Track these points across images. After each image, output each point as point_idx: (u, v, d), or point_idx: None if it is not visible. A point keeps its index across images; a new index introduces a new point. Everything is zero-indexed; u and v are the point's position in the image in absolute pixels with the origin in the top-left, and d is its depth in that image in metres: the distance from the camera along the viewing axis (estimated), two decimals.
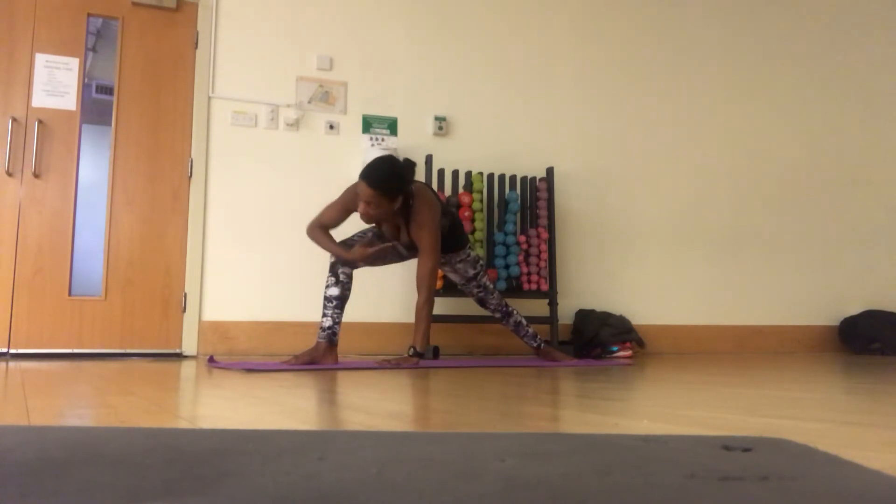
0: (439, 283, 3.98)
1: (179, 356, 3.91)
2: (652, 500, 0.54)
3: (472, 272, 3.40)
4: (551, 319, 4.17)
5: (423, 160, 4.27)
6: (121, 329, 3.90)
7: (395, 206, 2.92)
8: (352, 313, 4.15)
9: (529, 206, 4.39)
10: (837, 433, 1.00)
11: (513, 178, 4.38)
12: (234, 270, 4.05)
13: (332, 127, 4.31)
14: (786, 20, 5.49)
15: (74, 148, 3.94)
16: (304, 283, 4.14)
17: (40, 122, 3.89)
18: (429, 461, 0.68)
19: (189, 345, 3.94)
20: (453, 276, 3.45)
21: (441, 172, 4.25)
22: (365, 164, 3.81)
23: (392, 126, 4.42)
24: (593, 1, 5.01)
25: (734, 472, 0.63)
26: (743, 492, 0.56)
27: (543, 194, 4.35)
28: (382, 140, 4.37)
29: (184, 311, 3.97)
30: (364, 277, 4.22)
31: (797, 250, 5.25)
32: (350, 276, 3.07)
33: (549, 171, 4.43)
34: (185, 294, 3.97)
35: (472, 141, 4.58)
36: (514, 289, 4.18)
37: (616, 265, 4.80)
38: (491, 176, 4.35)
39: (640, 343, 4.33)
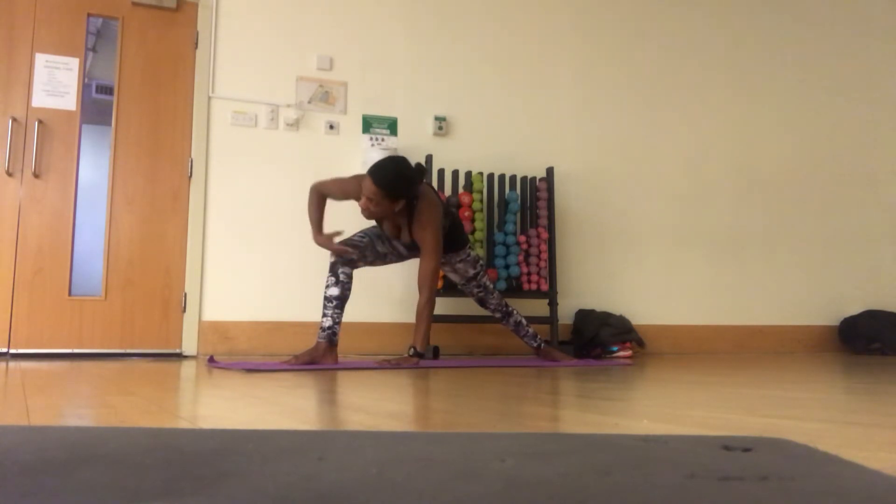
0: (439, 283, 3.98)
1: (179, 356, 3.91)
2: (652, 500, 0.54)
3: (471, 272, 3.40)
4: (551, 319, 4.17)
5: (424, 160, 4.27)
6: (121, 329, 3.90)
7: (397, 207, 2.92)
8: (352, 313, 4.15)
9: (529, 206, 4.39)
10: (837, 433, 1.00)
11: (513, 178, 4.38)
12: (234, 270, 4.05)
13: (332, 127, 4.31)
14: (786, 20, 5.49)
15: (74, 148, 3.94)
16: (304, 283, 4.14)
17: (40, 122, 3.89)
18: (429, 461, 0.68)
19: (189, 345, 3.94)
20: (453, 276, 3.45)
21: (441, 172, 4.25)
22: (370, 163, 3.81)
23: (392, 126, 4.42)
24: (593, 1, 5.01)
25: (734, 472, 0.63)
26: (743, 492, 0.56)
27: (543, 194, 4.36)
28: (382, 140, 4.37)
29: (184, 311, 3.97)
30: (364, 277, 4.22)
31: (797, 250, 5.26)
32: (350, 276, 3.07)
33: (549, 171, 4.43)
34: (185, 294, 3.97)
35: (472, 141, 4.58)
36: (514, 289, 4.18)
37: (616, 265, 4.80)
38: (491, 176, 4.35)
39: (640, 343, 4.33)
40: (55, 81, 3.95)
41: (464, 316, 4.07)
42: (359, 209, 3.23)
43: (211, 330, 3.96)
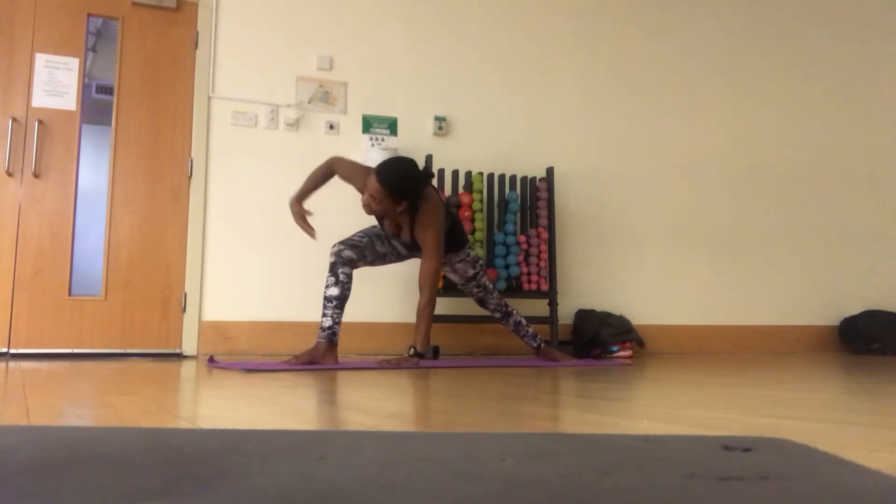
0: (439, 284, 3.98)
1: (179, 356, 3.91)
2: (652, 500, 0.54)
3: (471, 272, 3.40)
4: (551, 319, 4.17)
5: (424, 160, 4.28)
6: (121, 329, 3.90)
7: (399, 208, 2.93)
8: (352, 313, 4.15)
9: (529, 206, 4.39)
10: (837, 433, 1.00)
11: (513, 178, 4.38)
12: (234, 270, 4.05)
13: (332, 127, 4.31)
14: (786, 20, 5.49)
15: (74, 148, 3.94)
16: (304, 283, 4.14)
17: (40, 122, 3.89)
18: (429, 461, 0.68)
19: (189, 345, 3.94)
20: (453, 276, 3.45)
21: (441, 172, 4.25)
22: (370, 163, 3.82)
23: (392, 126, 4.42)
24: (593, 1, 5.01)
25: (734, 472, 0.63)
26: (743, 492, 0.56)
27: (543, 194, 4.36)
28: (382, 140, 4.37)
29: (184, 311, 3.97)
30: (364, 277, 4.22)
31: (797, 250, 5.26)
32: (350, 276, 3.07)
33: (549, 171, 4.43)
34: (185, 294, 3.97)
35: (472, 141, 4.58)
36: (514, 289, 4.18)
37: (616, 265, 4.80)
38: (491, 176, 4.35)
39: (640, 343, 4.33)
40: (55, 81, 3.95)
41: (464, 316, 4.07)
42: (360, 206, 3.23)
43: (211, 330, 3.96)
